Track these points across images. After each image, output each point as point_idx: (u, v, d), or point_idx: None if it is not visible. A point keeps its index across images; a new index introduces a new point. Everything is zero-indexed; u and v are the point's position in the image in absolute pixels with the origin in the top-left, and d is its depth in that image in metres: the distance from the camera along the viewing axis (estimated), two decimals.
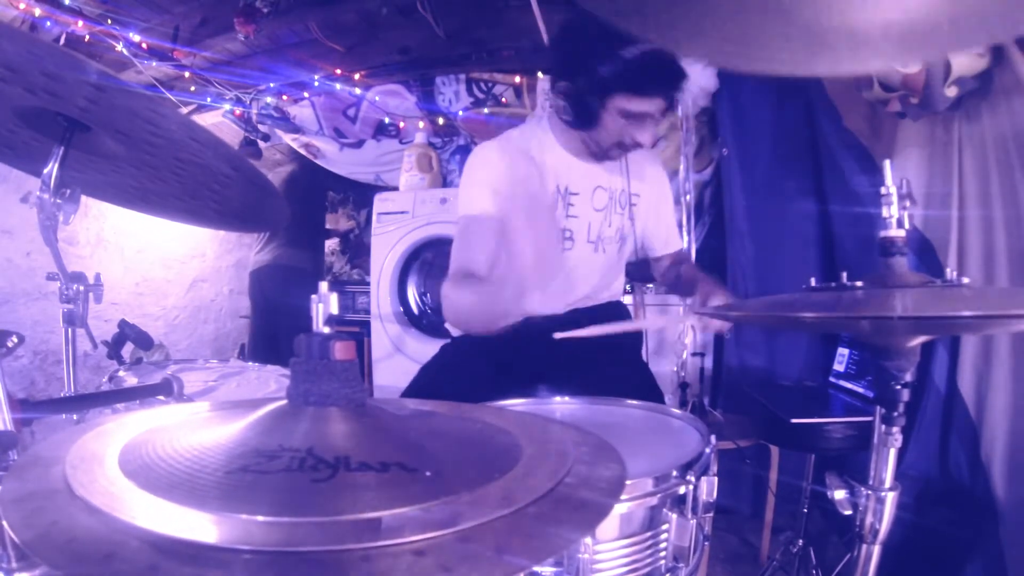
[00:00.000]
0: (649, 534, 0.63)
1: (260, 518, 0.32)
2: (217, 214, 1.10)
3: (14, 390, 0.69)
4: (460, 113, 2.70)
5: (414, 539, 0.31)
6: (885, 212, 0.66)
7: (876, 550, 0.69)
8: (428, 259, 2.60)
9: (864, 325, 0.65)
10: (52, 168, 0.84)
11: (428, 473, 0.39)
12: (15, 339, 0.70)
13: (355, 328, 2.83)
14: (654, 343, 2.23)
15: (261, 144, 3.01)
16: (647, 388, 1.19)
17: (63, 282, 0.93)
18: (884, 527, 0.68)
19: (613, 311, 1.33)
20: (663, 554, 0.65)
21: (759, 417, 1.73)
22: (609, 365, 1.18)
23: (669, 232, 1.38)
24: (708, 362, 2.21)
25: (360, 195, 3.69)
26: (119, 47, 2.31)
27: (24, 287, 2.46)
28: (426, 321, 2.61)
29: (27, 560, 0.43)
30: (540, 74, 2.44)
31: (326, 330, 0.46)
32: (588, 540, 0.57)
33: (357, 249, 3.87)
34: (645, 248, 1.37)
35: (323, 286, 0.46)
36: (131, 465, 0.38)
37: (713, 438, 0.72)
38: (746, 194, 2.14)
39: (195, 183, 0.98)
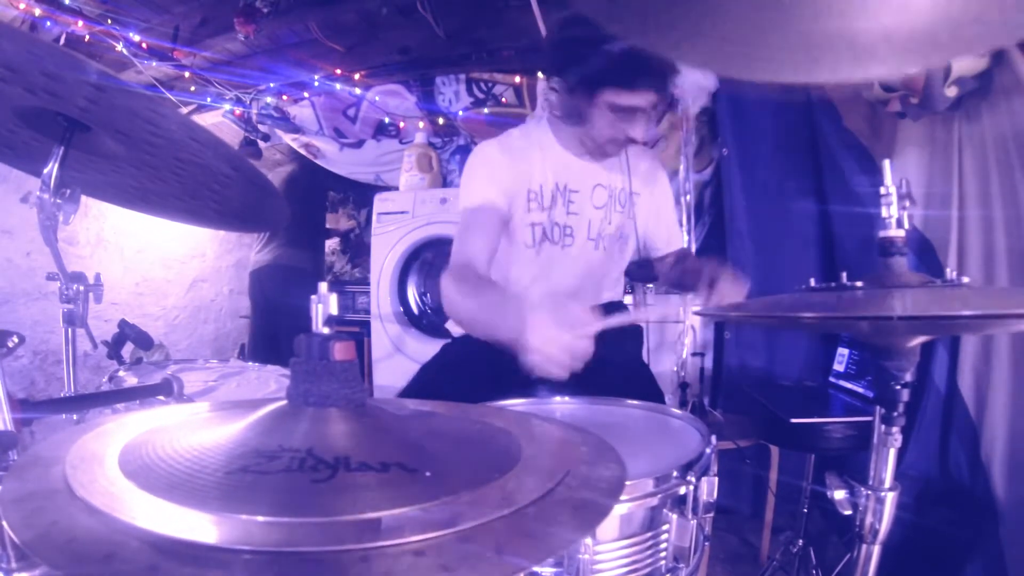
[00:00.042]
0: (649, 534, 0.63)
1: (260, 518, 0.32)
2: (217, 214, 1.10)
3: (14, 390, 0.69)
4: (460, 113, 2.70)
5: (414, 539, 0.31)
6: (885, 212, 0.66)
7: (876, 550, 0.69)
8: (428, 259, 2.60)
9: (864, 325, 0.65)
10: (52, 168, 0.84)
11: (428, 473, 0.39)
12: (15, 339, 0.70)
13: (355, 328, 2.82)
14: (654, 343, 2.23)
15: (261, 144, 3.01)
16: (647, 388, 1.19)
17: (63, 282, 0.93)
18: (884, 527, 0.68)
19: (615, 311, 1.33)
20: (663, 554, 0.65)
21: (759, 417, 1.73)
22: (609, 365, 1.18)
23: (671, 230, 1.38)
24: (708, 362, 2.21)
25: (360, 195, 3.69)
26: (119, 47, 2.31)
27: (24, 287, 2.46)
28: (426, 321, 2.61)
29: (27, 560, 0.43)
30: (540, 74, 2.44)
31: (326, 330, 0.46)
32: (588, 540, 0.57)
33: (358, 249, 3.87)
34: (648, 247, 1.37)
35: (323, 286, 0.46)
36: (131, 465, 0.38)
37: (713, 438, 0.72)
38: (746, 194, 2.14)
39: (195, 183, 0.98)
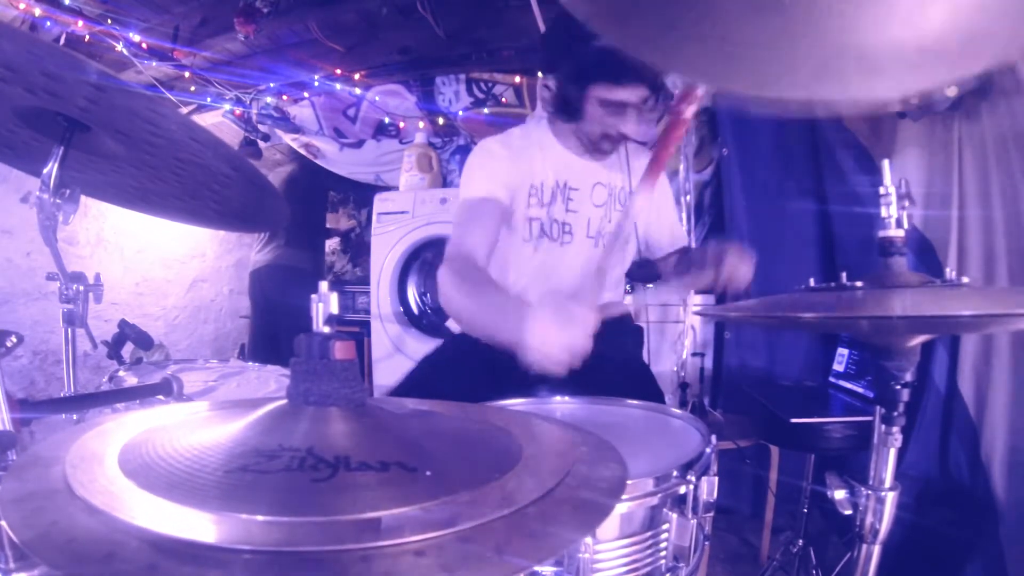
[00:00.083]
0: (649, 534, 0.63)
1: (260, 518, 0.32)
2: (217, 214, 1.10)
3: (14, 390, 0.69)
4: (460, 113, 2.70)
5: (414, 539, 0.31)
6: (884, 212, 0.66)
7: (876, 550, 0.69)
8: (428, 259, 2.60)
9: (864, 325, 0.65)
10: (52, 168, 0.84)
11: (428, 473, 0.39)
12: (14, 339, 0.70)
13: (355, 328, 2.83)
14: (654, 343, 2.23)
15: (261, 144, 3.01)
16: (647, 388, 1.18)
17: (63, 282, 0.93)
18: (884, 527, 0.68)
19: (615, 311, 1.34)
20: (663, 554, 0.65)
21: (759, 417, 1.73)
22: (609, 365, 1.18)
23: (674, 229, 1.38)
24: (708, 362, 2.21)
25: (361, 195, 3.69)
26: (119, 47, 2.31)
27: (24, 287, 2.46)
28: (426, 321, 2.61)
29: (26, 560, 0.43)
30: (540, 74, 2.44)
31: (326, 330, 0.46)
32: (588, 540, 0.57)
33: (358, 248, 3.87)
34: (651, 247, 1.38)
35: (323, 285, 0.46)
36: (131, 465, 0.38)
37: (714, 438, 0.72)
38: (746, 194, 2.14)
39: (195, 183, 0.98)
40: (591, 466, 0.44)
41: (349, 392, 0.46)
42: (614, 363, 1.21)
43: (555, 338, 0.74)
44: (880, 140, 1.79)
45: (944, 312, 0.55)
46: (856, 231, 1.86)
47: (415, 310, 2.64)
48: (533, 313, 0.77)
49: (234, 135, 2.93)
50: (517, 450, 0.46)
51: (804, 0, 0.40)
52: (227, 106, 2.83)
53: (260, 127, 2.97)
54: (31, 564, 0.44)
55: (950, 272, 0.64)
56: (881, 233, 0.66)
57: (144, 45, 2.36)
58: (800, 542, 1.60)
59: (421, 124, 2.83)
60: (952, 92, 1.37)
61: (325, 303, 0.46)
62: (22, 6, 2.05)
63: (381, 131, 3.00)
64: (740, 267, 1.08)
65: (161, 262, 3.14)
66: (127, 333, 1.18)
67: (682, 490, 0.64)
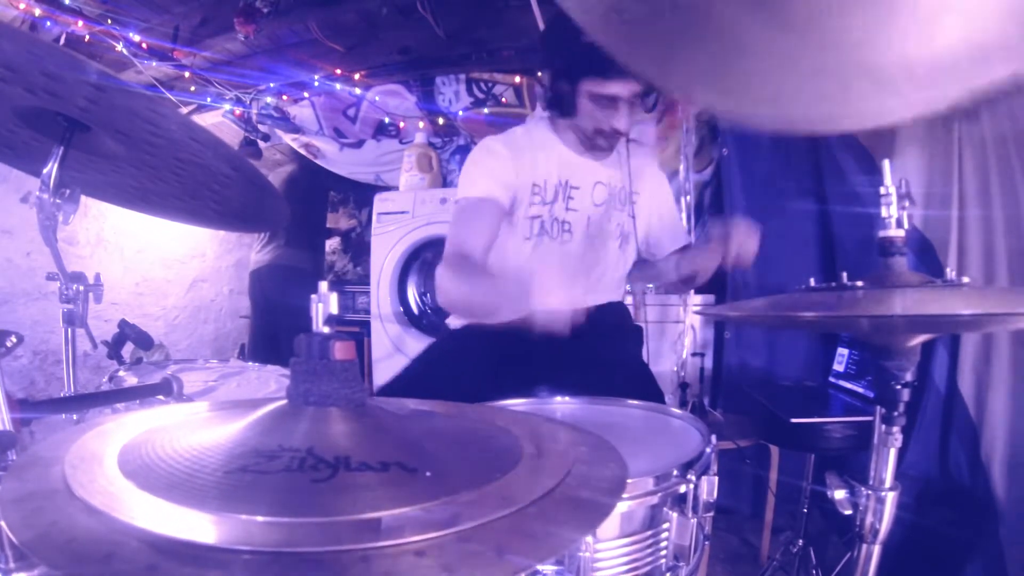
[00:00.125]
0: (650, 533, 0.63)
1: (260, 518, 0.32)
2: (217, 214, 1.10)
3: (14, 390, 0.69)
4: (460, 113, 2.70)
5: (414, 539, 0.31)
6: (884, 212, 0.66)
7: (876, 550, 0.69)
8: (428, 259, 2.60)
9: (864, 324, 0.65)
10: (52, 168, 0.84)
11: (428, 473, 0.39)
12: (14, 339, 0.70)
13: (355, 328, 2.83)
14: (654, 343, 2.23)
15: (261, 144, 3.01)
16: (647, 388, 1.19)
17: (63, 282, 0.93)
18: (884, 527, 0.68)
19: (614, 311, 1.33)
20: (664, 553, 0.65)
21: (759, 417, 1.73)
22: (609, 365, 1.18)
23: (675, 229, 1.38)
24: (708, 362, 2.21)
25: (361, 194, 3.70)
26: (119, 47, 2.31)
27: (24, 287, 2.45)
28: (426, 321, 2.61)
29: (25, 560, 0.43)
30: (540, 73, 2.44)
31: (326, 330, 0.46)
32: (589, 539, 0.57)
33: (359, 248, 3.88)
34: (651, 248, 1.38)
35: (323, 286, 0.46)
36: (130, 465, 0.38)
37: (714, 438, 0.72)
38: (746, 194, 2.14)
39: (195, 183, 0.98)
40: (591, 466, 0.44)
41: (349, 392, 0.46)
42: (614, 363, 1.21)
43: (556, 296, 0.79)
44: (880, 140, 1.79)
45: (944, 312, 0.55)
46: (856, 231, 1.86)
47: (415, 310, 2.64)
48: (533, 277, 0.81)
49: (234, 135, 2.93)
50: (517, 450, 0.46)
51: (814, 16, 0.39)
52: (227, 106, 2.83)
53: (260, 127, 2.97)
54: (31, 564, 0.44)
55: (950, 272, 0.64)
56: (881, 233, 0.66)
57: (144, 45, 2.36)
58: (800, 542, 1.60)
59: (421, 124, 2.83)
60: None
61: (325, 303, 0.46)
62: (22, 6, 2.05)
63: (381, 131, 3.00)
64: (748, 241, 1.11)
65: (161, 262, 3.14)
66: (127, 333, 1.18)
67: (682, 489, 0.64)
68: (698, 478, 0.65)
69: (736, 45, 0.42)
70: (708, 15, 0.41)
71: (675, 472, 0.64)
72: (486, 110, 2.65)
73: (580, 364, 1.14)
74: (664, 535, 0.64)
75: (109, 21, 2.23)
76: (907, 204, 0.66)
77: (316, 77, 2.63)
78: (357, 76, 2.64)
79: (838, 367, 1.89)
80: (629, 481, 0.56)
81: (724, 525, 2.05)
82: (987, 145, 1.44)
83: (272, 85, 2.76)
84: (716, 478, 0.68)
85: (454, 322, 1.31)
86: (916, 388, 0.66)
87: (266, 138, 3.05)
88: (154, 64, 2.45)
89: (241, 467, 0.37)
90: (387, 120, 2.89)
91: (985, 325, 0.87)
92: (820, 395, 1.83)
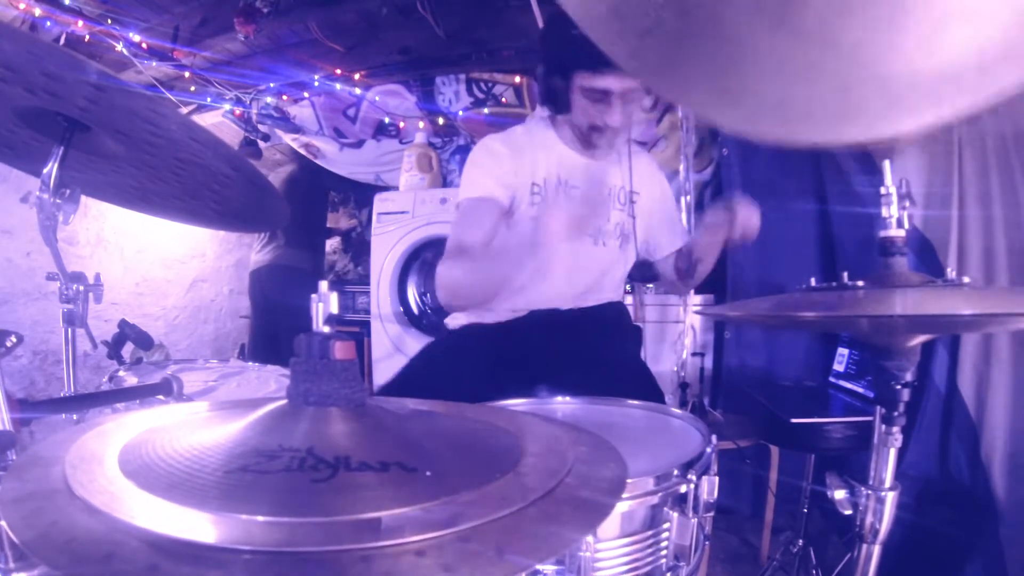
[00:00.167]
0: (650, 533, 0.63)
1: (260, 518, 0.32)
2: (217, 214, 1.10)
3: (14, 390, 0.69)
4: (460, 113, 2.70)
5: (414, 539, 0.31)
6: (885, 212, 0.66)
7: (876, 550, 0.69)
8: (428, 259, 2.60)
9: (864, 324, 0.65)
10: (52, 168, 0.84)
11: (428, 473, 0.39)
12: (14, 339, 0.70)
13: (355, 328, 2.83)
14: (654, 343, 2.23)
15: (261, 144, 3.01)
16: (647, 388, 1.19)
17: (63, 282, 0.93)
18: (884, 527, 0.68)
19: (614, 311, 1.33)
20: (664, 553, 0.65)
21: (759, 417, 1.73)
22: (608, 365, 1.19)
23: (674, 230, 1.38)
24: (708, 362, 2.21)
25: (361, 194, 3.70)
26: (119, 47, 2.31)
27: (24, 287, 2.45)
28: (426, 321, 2.61)
29: (25, 560, 0.43)
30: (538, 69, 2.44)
31: (326, 330, 0.46)
32: (590, 539, 0.57)
33: (359, 248, 3.88)
34: (651, 248, 1.38)
35: (323, 285, 0.46)
36: (131, 465, 0.38)
37: (714, 438, 0.72)
38: (746, 194, 2.13)
39: (195, 183, 0.98)
40: (591, 466, 0.44)
41: (349, 392, 0.46)
42: (613, 363, 1.21)
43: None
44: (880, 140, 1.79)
45: (944, 312, 0.55)
46: (856, 231, 1.86)
47: (415, 310, 2.64)
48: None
49: (234, 135, 2.93)
50: (517, 450, 0.46)
51: (819, 24, 0.38)
52: (227, 106, 2.83)
53: (260, 127, 2.97)
54: (31, 564, 0.44)
55: (950, 272, 0.64)
56: (882, 233, 0.66)
57: (144, 45, 2.36)
58: (800, 542, 1.60)
59: (421, 124, 2.83)
60: None
61: (325, 303, 0.46)
62: (22, 6, 2.05)
63: (381, 131, 3.00)
64: (752, 216, 1.12)
65: (161, 262, 3.14)
66: (127, 333, 1.18)
67: (683, 489, 0.64)
68: (698, 478, 0.65)
69: (739, 54, 0.42)
70: (712, 23, 0.40)
71: (676, 472, 0.64)
72: (486, 110, 2.65)
73: (579, 364, 1.14)
74: (664, 535, 0.64)
75: (109, 21, 2.23)
76: (907, 204, 0.66)
77: (316, 77, 2.63)
78: (357, 76, 2.64)
79: (838, 367, 1.89)
80: (629, 481, 0.56)
81: (724, 525, 2.05)
82: (987, 145, 1.44)
83: (272, 85, 2.76)
84: (716, 478, 0.68)
85: (453, 322, 1.31)
86: (916, 388, 0.66)
87: (266, 138, 3.05)
88: (154, 64, 2.45)
89: (241, 467, 0.37)
90: (387, 120, 2.89)
91: (985, 325, 0.87)
92: (820, 395, 1.83)
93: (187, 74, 2.57)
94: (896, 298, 0.58)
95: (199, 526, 0.31)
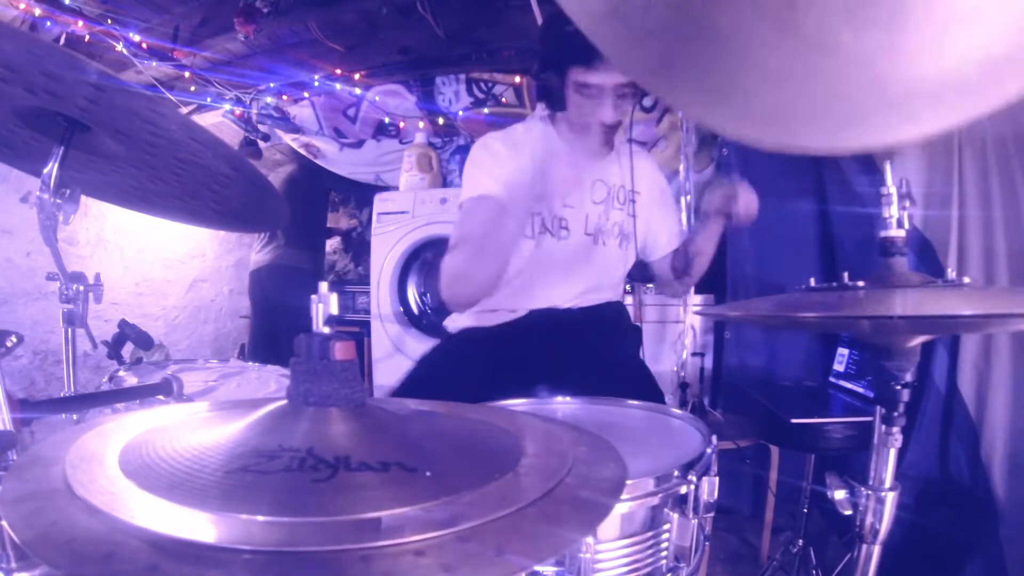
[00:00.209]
0: (650, 534, 0.63)
1: (260, 518, 0.32)
2: (217, 214, 1.10)
3: (14, 390, 0.69)
4: (460, 113, 2.70)
5: (414, 539, 0.31)
6: (885, 212, 0.66)
7: (876, 550, 0.69)
8: (428, 259, 2.60)
9: (864, 325, 0.65)
10: (52, 168, 0.84)
11: (428, 473, 0.39)
12: (14, 339, 0.70)
13: (355, 328, 2.83)
14: (654, 343, 2.24)
15: (261, 144, 3.01)
16: (647, 388, 1.19)
17: (63, 282, 0.93)
18: (884, 527, 0.68)
19: (613, 311, 1.33)
20: (664, 554, 0.65)
21: (759, 417, 1.73)
22: (608, 365, 1.19)
23: (671, 231, 1.38)
24: (708, 362, 2.21)
25: (361, 194, 3.70)
26: (119, 47, 2.31)
27: (24, 287, 2.45)
28: (426, 321, 2.61)
29: (27, 560, 0.43)
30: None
31: (326, 330, 0.46)
32: (590, 539, 0.57)
33: (360, 247, 3.88)
34: (648, 248, 1.38)
35: (323, 286, 0.46)
36: (131, 465, 0.38)
37: (714, 438, 0.72)
38: None
39: (195, 183, 0.98)
40: (591, 466, 0.44)
41: (349, 392, 0.46)
42: (612, 363, 1.21)
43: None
44: None
45: (945, 312, 0.55)
46: (856, 231, 1.86)
47: (415, 310, 2.64)
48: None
49: (234, 135, 2.93)
50: (517, 450, 0.46)
51: (821, 28, 0.38)
52: (227, 106, 2.83)
53: (260, 127, 2.97)
54: (32, 564, 0.44)
55: (950, 272, 0.64)
56: (882, 233, 0.66)
57: (144, 45, 2.36)
58: (800, 542, 1.60)
59: (421, 124, 2.83)
60: None
61: (325, 303, 0.46)
62: (22, 6, 2.05)
63: (381, 131, 3.00)
64: (751, 200, 1.14)
65: (161, 262, 3.14)
66: (127, 333, 1.18)
67: (683, 490, 0.64)
68: (699, 479, 0.65)
69: (737, 58, 0.41)
70: (709, 24, 0.40)
71: (676, 473, 0.64)
72: (486, 110, 2.65)
73: (579, 364, 1.15)
74: (665, 536, 0.64)
75: (109, 21, 2.23)
76: (907, 204, 0.66)
77: (316, 77, 2.63)
78: (357, 76, 2.64)
79: (838, 367, 1.89)
80: (630, 482, 0.56)
81: (724, 525, 2.05)
82: (987, 145, 1.45)
83: (272, 85, 2.76)
84: (717, 478, 0.68)
85: (453, 325, 1.31)
86: (916, 388, 0.66)
87: (266, 138, 3.05)
88: (154, 64, 2.45)
89: (241, 467, 0.37)
90: (387, 120, 2.89)
91: (985, 326, 0.87)
92: (820, 395, 1.83)
93: (187, 74, 2.57)
94: (896, 298, 0.58)
95: (199, 526, 0.31)
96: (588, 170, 1.24)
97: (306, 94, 2.85)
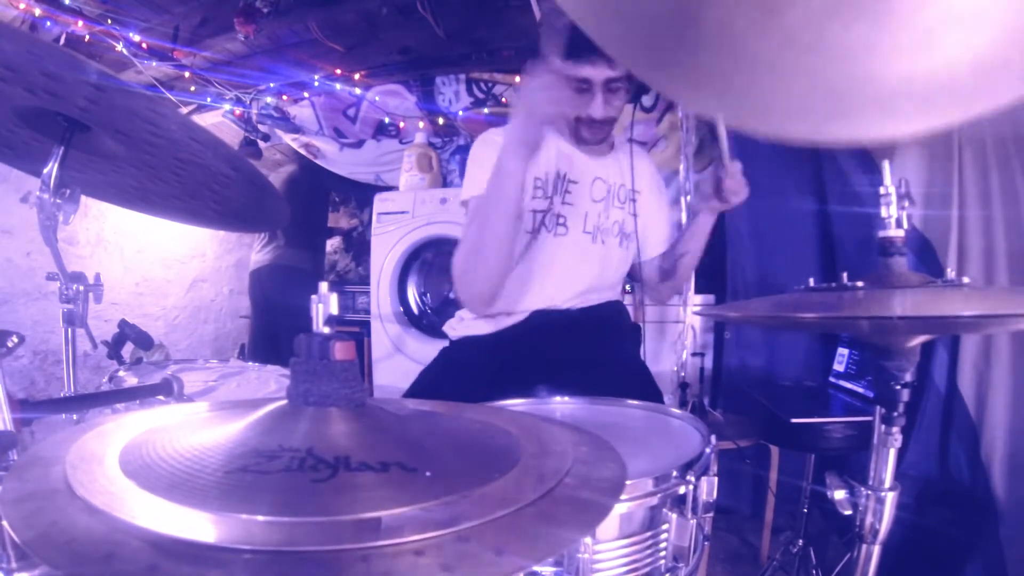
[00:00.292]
0: (649, 534, 0.63)
1: (260, 518, 0.32)
2: (217, 214, 1.10)
3: (14, 390, 0.69)
4: (460, 113, 2.70)
5: (414, 539, 0.31)
6: (884, 212, 0.66)
7: (876, 550, 0.69)
8: (428, 259, 2.60)
9: (864, 325, 0.65)
10: (52, 168, 0.84)
11: (428, 473, 0.39)
12: (15, 339, 0.70)
13: (355, 328, 2.83)
14: (654, 343, 2.23)
15: (261, 144, 3.01)
16: (645, 387, 1.19)
17: (63, 282, 0.93)
18: (884, 527, 0.68)
19: (613, 310, 1.33)
20: (663, 554, 0.65)
21: (759, 417, 1.73)
22: (607, 364, 1.19)
23: (663, 231, 1.38)
24: (708, 362, 2.21)
25: (362, 194, 3.70)
26: (119, 47, 2.31)
27: (24, 287, 2.46)
28: (426, 321, 2.61)
29: (27, 560, 0.43)
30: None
31: (326, 330, 0.46)
32: (588, 540, 0.57)
33: (361, 247, 3.88)
34: (640, 249, 1.37)
35: (323, 286, 0.46)
36: (131, 465, 0.38)
37: (713, 438, 0.72)
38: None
39: (195, 183, 0.98)
40: (591, 466, 0.44)
41: (349, 392, 0.46)
42: (612, 362, 1.21)
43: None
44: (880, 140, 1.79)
45: (944, 312, 0.55)
46: (856, 231, 1.86)
47: (415, 310, 2.64)
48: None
49: (234, 135, 2.93)
50: (517, 450, 0.46)
51: (813, 24, 0.38)
52: (227, 106, 2.83)
53: (260, 127, 2.97)
54: (32, 564, 0.44)
55: (950, 272, 0.64)
56: (881, 233, 0.66)
57: (144, 45, 2.36)
58: (800, 542, 1.60)
59: (421, 124, 2.83)
60: None
61: (325, 303, 0.46)
62: (22, 6, 2.06)
63: (381, 131, 3.00)
64: (742, 184, 1.18)
65: (161, 262, 3.14)
66: (127, 333, 1.18)
67: (682, 490, 0.64)
68: (698, 479, 0.65)
69: (734, 52, 0.41)
70: (708, 22, 0.40)
71: (675, 473, 0.64)
72: (486, 110, 2.65)
73: (578, 364, 1.14)
74: (663, 536, 0.64)
75: (109, 21, 2.23)
76: (907, 204, 0.66)
77: (316, 77, 2.63)
78: (357, 76, 2.64)
79: (838, 367, 1.89)
80: (629, 482, 0.56)
81: (724, 525, 2.05)
82: (987, 145, 1.44)
83: (272, 85, 2.76)
84: (716, 479, 0.68)
85: (453, 332, 1.31)
86: (916, 388, 0.66)
87: (266, 138, 3.05)
88: (154, 64, 2.45)
89: (241, 467, 0.38)
90: (387, 120, 2.89)
91: (985, 326, 0.87)
92: (820, 395, 1.83)
93: (187, 74, 2.57)
94: (896, 299, 0.58)
95: (199, 526, 0.31)
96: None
97: (306, 94, 2.85)
